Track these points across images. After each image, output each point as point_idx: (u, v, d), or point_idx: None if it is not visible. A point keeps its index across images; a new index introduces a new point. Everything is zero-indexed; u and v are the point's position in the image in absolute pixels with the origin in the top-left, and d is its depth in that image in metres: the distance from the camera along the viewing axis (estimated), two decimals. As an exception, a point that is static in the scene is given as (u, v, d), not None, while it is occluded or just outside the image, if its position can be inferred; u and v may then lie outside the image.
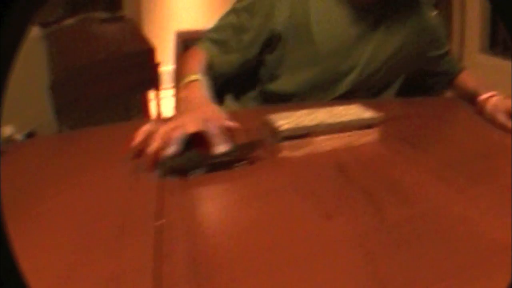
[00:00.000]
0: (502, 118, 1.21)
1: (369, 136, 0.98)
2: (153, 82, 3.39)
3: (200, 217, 0.69)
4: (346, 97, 1.41)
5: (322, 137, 0.92)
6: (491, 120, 1.24)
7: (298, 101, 1.41)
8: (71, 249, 0.59)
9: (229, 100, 1.53)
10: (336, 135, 0.94)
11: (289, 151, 0.89)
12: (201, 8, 5.15)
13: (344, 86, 1.43)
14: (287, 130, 0.88)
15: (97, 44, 3.26)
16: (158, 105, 3.36)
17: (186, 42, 1.75)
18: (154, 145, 0.83)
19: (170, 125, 0.86)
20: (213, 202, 0.75)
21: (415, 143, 1.02)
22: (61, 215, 0.69)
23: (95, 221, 0.67)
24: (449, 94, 1.66)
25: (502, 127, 1.20)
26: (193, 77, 1.13)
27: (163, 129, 0.85)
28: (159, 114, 3.33)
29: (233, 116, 0.94)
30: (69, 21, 3.30)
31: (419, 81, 1.65)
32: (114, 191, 0.77)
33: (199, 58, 1.31)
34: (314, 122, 0.91)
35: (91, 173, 0.85)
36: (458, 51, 4.05)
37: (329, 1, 1.40)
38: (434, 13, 1.59)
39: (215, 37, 1.40)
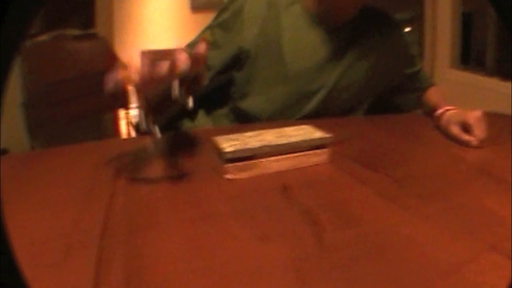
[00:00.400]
0: (454, 130, 1.22)
1: (318, 157, 0.97)
2: (123, 100, 3.38)
3: (140, 238, 0.67)
4: (316, 116, 1.41)
5: (269, 159, 0.91)
6: (445, 133, 1.25)
7: (268, 119, 1.40)
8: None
9: (201, 115, 1.52)
10: (284, 156, 0.92)
11: (233, 172, 0.88)
12: (172, 27, 5.17)
13: (312, 105, 1.42)
14: (232, 152, 0.87)
15: (69, 62, 3.24)
16: (128, 123, 3.35)
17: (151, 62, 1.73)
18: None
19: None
20: (153, 222, 0.73)
21: (367, 163, 1.01)
22: (16, 234, 0.68)
23: (44, 240, 0.66)
24: (419, 111, 1.66)
25: (455, 139, 1.21)
26: None
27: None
28: (128, 133, 3.32)
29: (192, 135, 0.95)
30: (43, 37, 3.29)
31: (390, 99, 1.66)
32: (68, 210, 0.77)
33: None
34: (260, 144, 0.90)
35: (51, 192, 0.85)
36: (429, 66, 4.10)
37: (301, 21, 1.40)
38: (407, 29, 1.60)
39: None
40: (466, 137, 1.21)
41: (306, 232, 0.69)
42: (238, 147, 0.88)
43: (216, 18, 1.43)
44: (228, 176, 0.88)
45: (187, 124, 1.51)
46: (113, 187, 0.85)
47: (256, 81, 1.41)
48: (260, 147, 0.90)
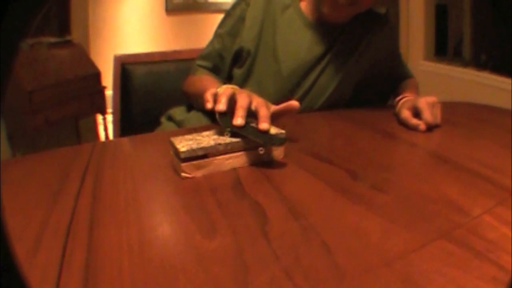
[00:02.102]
0: (404, 113, 1.25)
1: (272, 152, 0.97)
2: (100, 106, 3.37)
3: (100, 235, 0.68)
4: (307, 111, 1.45)
5: (223, 156, 0.92)
6: (398, 118, 1.26)
7: None
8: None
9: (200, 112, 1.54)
10: (238, 154, 0.93)
11: (189, 171, 0.89)
12: (147, 30, 5.17)
13: (304, 103, 1.46)
14: (186, 151, 0.87)
15: (46, 69, 3.23)
16: (106, 128, 3.35)
17: (124, 65, 1.75)
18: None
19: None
20: (113, 219, 0.74)
21: (322, 156, 1.02)
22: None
23: (15, 240, 0.66)
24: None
25: (404, 123, 1.23)
26: (225, 87, 1.18)
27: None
28: (107, 138, 3.32)
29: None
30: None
31: (369, 90, 1.67)
32: (36, 212, 0.77)
33: (209, 78, 1.43)
34: (214, 142, 0.91)
35: (22, 196, 0.85)
36: (404, 58, 4.12)
37: (295, 23, 1.46)
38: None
39: (206, 65, 1.52)
40: (414, 121, 1.23)
41: (252, 224, 0.70)
42: (193, 146, 0.89)
43: (222, 25, 1.52)
44: (184, 174, 0.89)
45: (170, 123, 1.55)
46: (79, 189, 0.85)
47: (253, 78, 1.47)
48: (214, 146, 0.90)
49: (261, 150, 0.93)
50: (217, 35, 1.52)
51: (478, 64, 3.83)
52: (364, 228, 0.68)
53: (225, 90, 1.00)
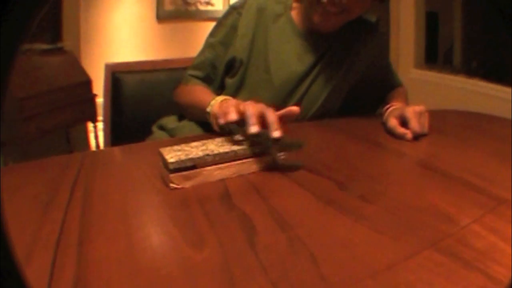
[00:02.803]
0: (391, 122, 1.25)
1: (260, 163, 0.97)
2: (91, 113, 3.37)
3: (89, 245, 0.68)
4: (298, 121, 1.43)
5: (211, 167, 0.92)
6: (385, 127, 1.26)
7: None
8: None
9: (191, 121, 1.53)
10: (226, 164, 0.93)
11: (178, 182, 0.89)
12: (138, 38, 5.17)
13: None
14: (175, 162, 0.87)
15: (38, 77, 3.22)
16: (96, 136, 3.34)
17: (114, 74, 1.74)
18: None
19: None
20: (102, 230, 0.74)
21: (310, 167, 1.01)
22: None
23: None
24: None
25: (391, 131, 1.23)
26: (214, 102, 1.23)
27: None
28: (97, 146, 3.31)
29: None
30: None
31: (359, 99, 1.67)
32: (28, 222, 0.77)
33: (202, 89, 1.42)
34: (202, 153, 0.91)
35: (14, 206, 0.85)
36: (394, 66, 4.13)
37: (286, 32, 1.47)
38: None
39: (198, 75, 1.51)
40: (401, 129, 1.24)
41: (240, 236, 0.70)
42: (181, 157, 0.89)
43: (214, 34, 1.52)
44: (173, 185, 0.89)
45: (162, 132, 1.54)
46: (69, 201, 0.85)
47: (245, 87, 1.46)
48: (202, 157, 0.90)
49: (283, 155, 0.98)
50: (209, 44, 1.52)
51: (469, 71, 3.84)
52: (351, 239, 0.68)
53: (228, 102, 1.08)
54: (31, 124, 3.11)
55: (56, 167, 1.07)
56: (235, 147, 0.95)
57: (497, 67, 3.78)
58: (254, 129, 0.95)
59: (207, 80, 1.51)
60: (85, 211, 0.81)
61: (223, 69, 1.48)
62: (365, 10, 1.43)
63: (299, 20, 1.49)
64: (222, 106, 1.11)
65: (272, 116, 0.97)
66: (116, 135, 1.79)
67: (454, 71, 3.90)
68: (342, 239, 0.69)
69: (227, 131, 1.02)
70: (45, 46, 3.63)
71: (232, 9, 1.49)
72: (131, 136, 1.48)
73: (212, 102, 1.25)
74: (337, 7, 1.32)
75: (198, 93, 1.40)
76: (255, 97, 1.34)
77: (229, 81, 1.48)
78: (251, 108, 0.98)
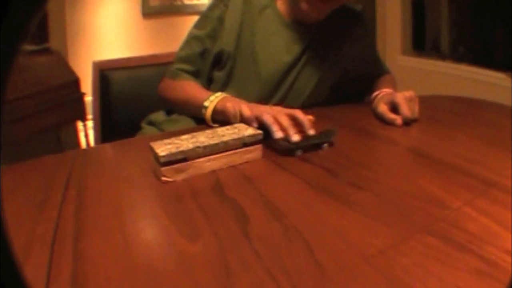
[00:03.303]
0: (381, 108, 1.25)
1: (251, 153, 0.98)
2: (80, 112, 3.35)
3: (85, 242, 0.69)
4: None
5: (202, 159, 0.92)
6: (375, 113, 1.27)
7: None
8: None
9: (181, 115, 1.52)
10: (217, 156, 0.93)
11: (170, 175, 0.89)
12: (124, 34, 5.15)
13: (284, 103, 1.44)
14: (166, 155, 0.87)
15: (26, 78, 3.20)
16: (86, 135, 3.33)
17: (102, 71, 1.74)
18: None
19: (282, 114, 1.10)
20: (97, 227, 0.74)
21: (301, 155, 1.02)
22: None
23: None
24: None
25: (381, 117, 1.24)
26: (213, 97, 1.26)
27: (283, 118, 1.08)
28: (88, 144, 3.30)
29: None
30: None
31: (346, 87, 1.67)
32: (24, 221, 0.78)
33: (194, 84, 1.42)
34: (192, 146, 0.91)
35: (9, 206, 0.85)
36: (381, 53, 4.13)
37: (273, 24, 1.45)
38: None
39: (187, 69, 1.47)
40: (391, 115, 1.24)
41: (234, 226, 0.70)
42: (172, 150, 0.89)
43: (200, 27, 1.50)
44: (165, 178, 0.89)
45: (151, 128, 1.53)
46: (63, 199, 0.85)
47: (234, 80, 1.45)
48: (192, 149, 0.90)
49: (300, 152, 1.03)
50: (195, 37, 1.49)
51: (456, 57, 3.85)
52: (344, 226, 0.69)
53: (261, 108, 1.15)
54: (21, 125, 3.09)
55: (48, 167, 1.07)
56: (225, 138, 0.95)
57: (484, 52, 3.79)
58: (296, 137, 1.04)
59: (196, 74, 1.49)
60: (79, 209, 0.81)
61: (211, 62, 1.47)
62: None
63: (285, 11, 1.48)
64: (253, 110, 1.13)
65: (303, 117, 1.09)
66: (106, 133, 1.78)
67: (442, 57, 3.90)
68: (335, 225, 0.69)
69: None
70: (32, 47, 3.60)
71: (218, 1, 1.47)
72: (122, 133, 1.47)
73: (212, 98, 1.27)
74: None
75: (191, 88, 1.40)
76: (243, 90, 1.34)
77: (217, 74, 1.47)
78: (285, 118, 1.08)
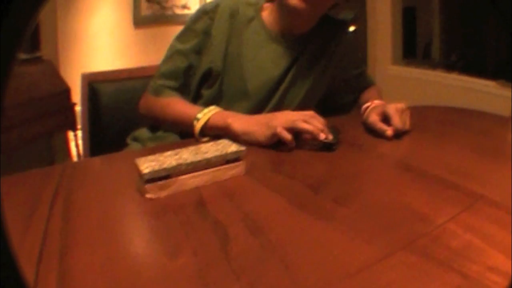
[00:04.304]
0: (372, 118, 1.25)
1: (234, 169, 0.98)
2: (70, 122, 3.35)
3: (71, 256, 0.69)
4: None
5: (185, 176, 0.92)
6: (366, 125, 1.27)
7: None
8: None
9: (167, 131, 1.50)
10: (200, 172, 0.93)
11: (153, 192, 0.88)
12: (115, 43, 5.16)
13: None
14: (149, 173, 0.87)
15: (18, 86, 3.19)
16: (77, 145, 3.32)
17: (91, 83, 1.74)
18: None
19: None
20: (82, 241, 0.75)
21: (283, 171, 1.02)
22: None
23: None
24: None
25: (372, 128, 1.25)
26: (207, 110, 1.25)
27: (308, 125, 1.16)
28: (78, 155, 3.30)
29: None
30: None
31: (333, 99, 1.67)
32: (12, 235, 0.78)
33: (180, 100, 1.39)
34: (176, 163, 0.90)
35: None
36: (371, 63, 4.14)
37: (260, 36, 1.43)
38: (352, 29, 1.62)
39: (172, 85, 1.44)
40: (381, 125, 1.24)
41: (214, 243, 0.70)
42: (155, 167, 0.89)
43: (184, 40, 1.45)
44: (149, 195, 0.88)
45: (137, 144, 1.52)
46: (50, 213, 0.85)
47: (223, 98, 1.43)
48: (176, 166, 0.90)
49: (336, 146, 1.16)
50: (179, 51, 1.44)
51: (448, 65, 3.86)
52: (324, 243, 0.69)
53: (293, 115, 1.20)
54: (12, 134, 3.09)
55: (36, 180, 1.07)
56: (208, 155, 0.95)
57: (475, 60, 3.81)
58: (330, 136, 1.16)
59: (180, 89, 1.45)
60: (65, 223, 0.80)
61: (199, 80, 1.44)
62: None
63: (272, 22, 1.46)
64: (281, 123, 1.17)
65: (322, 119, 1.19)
66: (95, 144, 1.78)
67: (433, 65, 3.91)
68: (315, 243, 0.69)
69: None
70: (23, 56, 3.60)
71: (203, 13, 1.43)
72: (110, 144, 1.48)
73: (205, 111, 1.26)
74: None
75: (178, 104, 1.37)
76: (233, 107, 1.32)
77: (206, 92, 1.44)
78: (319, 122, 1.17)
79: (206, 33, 1.42)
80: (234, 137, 1.19)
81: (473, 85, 3.30)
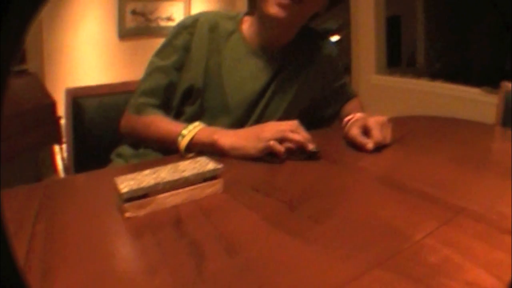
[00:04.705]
0: (353, 131, 1.25)
1: (212, 187, 0.98)
2: (56, 136, 3.34)
3: (53, 275, 0.69)
4: None
5: (164, 195, 0.92)
6: (346, 138, 1.27)
7: None
8: None
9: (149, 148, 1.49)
10: (178, 191, 0.93)
11: (132, 211, 0.88)
12: (100, 56, 5.15)
13: None
14: (127, 192, 0.87)
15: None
16: (63, 158, 3.31)
17: (75, 98, 1.74)
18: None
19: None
20: (64, 260, 0.74)
21: (261, 188, 1.02)
22: None
23: None
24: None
25: (352, 141, 1.25)
26: (192, 127, 1.25)
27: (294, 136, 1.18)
28: (66, 169, 3.28)
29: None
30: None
31: (314, 112, 1.67)
32: None
33: (163, 118, 1.38)
34: (154, 182, 0.91)
35: None
36: (355, 73, 4.15)
37: (240, 50, 1.43)
38: (337, 38, 1.64)
39: (153, 103, 1.42)
40: (362, 138, 1.24)
41: (189, 263, 0.69)
42: (133, 187, 0.89)
43: (163, 56, 1.45)
44: (128, 214, 0.88)
45: (120, 160, 1.51)
46: (32, 232, 0.85)
47: (204, 114, 1.42)
48: (154, 185, 0.90)
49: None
50: (159, 68, 1.44)
51: (432, 73, 3.88)
52: (299, 262, 0.68)
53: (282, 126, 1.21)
54: (-3, 150, 3.08)
55: (18, 199, 1.06)
56: (186, 174, 0.95)
57: (460, 67, 3.83)
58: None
59: (162, 107, 1.43)
60: (47, 243, 0.80)
61: (180, 98, 1.43)
62: (318, 5, 1.41)
63: (252, 35, 1.46)
64: (270, 134, 1.19)
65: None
66: (79, 158, 1.79)
67: (417, 74, 3.92)
68: (290, 262, 0.69)
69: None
70: (9, 68, 3.58)
71: (182, 28, 1.43)
72: (95, 158, 1.49)
73: (190, 128, 1.26)
74: None
75: (161, 122, 1.36)
76: (215, 123, 1.32)
77: (187, 109, 1.44)
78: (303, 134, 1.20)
79: (186, 49, 1.42)
80: (222, 152, 1.21)
81: (458, 92, 3.31)
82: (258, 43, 1.46)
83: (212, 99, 1.42)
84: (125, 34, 5.35)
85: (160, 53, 1.46)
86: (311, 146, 1.17)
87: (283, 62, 1.48)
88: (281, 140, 1.18)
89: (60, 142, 3.41)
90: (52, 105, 3.49)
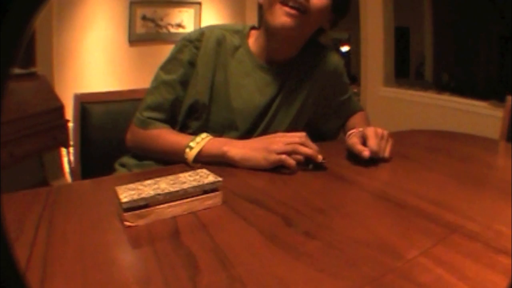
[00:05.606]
0: (352, 140, 1.27)
1: (211, 200, 0.99)
2: (63, 139, 3.35)
3: (49, 280, 0.70)
4: None
5: (163, 205, 0.93)
6: (347, 147, 1.30)
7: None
8: None
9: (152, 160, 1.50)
10: (177, 202, 0.95)
11: (132, 220, 0.90)
12: (110, 61, 5.17)
13: None
14: (128, 201, 0.89)
15: (11, 102, 3.19)
16: (70, 162, 3.32)
17: (83, 104, 1.75)
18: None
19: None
20: (63, 269, 0.75)
21: (259, 202, 1.03)
22: None
23: None
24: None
25: (351, 149, 1.27)
26: (200, 139, 1.27)
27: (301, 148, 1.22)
28: (73, 172, 3.30)
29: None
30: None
31: (318, 126, 1.67)
32: None
33: (170, 131, 1.40)
34: (154, 192, 0.92)
35: None
36: (363, 84, 4.14)
37: (246, 65, 1.44)
38: (346, 49, 1.65)
39: (159, 117, 1.43)
40: (359, 146, 1.25)
41: (183, 275, 0.70)
42: (134, 196, 0.90)
43: (169, 71, 1.45)
44: (127, 223, 0.90)
45: (124, 169, 1.52)
46: (34, 238, 0.86)
47: (210, 128, 1.43)
48: (154, 196, 0.92)
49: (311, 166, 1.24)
50: (165, 83, 1.43)
51: (439, 85, 3.87)
52: (289, 278, 0.69)
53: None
54: (4, 150, 3.08)
55: (22, 203, 1.07)
56: (186, 185, 0.96)
57: (467, 80, 3.83)
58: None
59: (167, 121, 1.44)
60: (47, 250, 0.81)
61: (185, 113, 1.44)
62: (324, 17, 1.43)
63: (258, 49, 1.47)
64: (279, 147, 1.21)
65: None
66: (86, 162, 1.80)
67: (425, 86, 3.91)
68: (282, 278, 0.69)
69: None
70: (18, 71, 3.60)
71: (188, 42, 1.43)
72: (101, 163, 1.53)
73: (198, 139, 1.28)
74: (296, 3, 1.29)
75: (168, 136, 1.38)
76: (219, 136, 1.32)
77: (193, 123, 1.45)
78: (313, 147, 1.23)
79: (191, 63, 1.42)
80: (231, 163, 1.23)
81: (465, 106, 3.31)
82: (264, 57, 1.47)
83: (218, 114, 1.43)
84: (135, 39, 5.38)
85: (165, 67, 1.46)
86: (320, 158, 1.21)
87: (288, 76, 1.49)
88: (290, 152, 1.21)
89: (67, 145, 3.42)
90: (60, 109, 3.51)
